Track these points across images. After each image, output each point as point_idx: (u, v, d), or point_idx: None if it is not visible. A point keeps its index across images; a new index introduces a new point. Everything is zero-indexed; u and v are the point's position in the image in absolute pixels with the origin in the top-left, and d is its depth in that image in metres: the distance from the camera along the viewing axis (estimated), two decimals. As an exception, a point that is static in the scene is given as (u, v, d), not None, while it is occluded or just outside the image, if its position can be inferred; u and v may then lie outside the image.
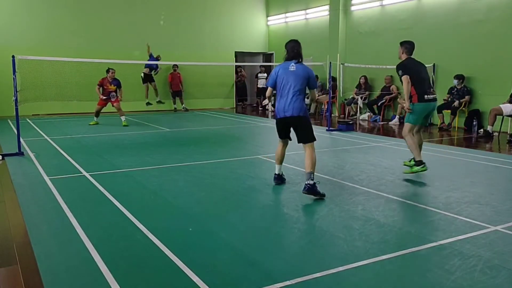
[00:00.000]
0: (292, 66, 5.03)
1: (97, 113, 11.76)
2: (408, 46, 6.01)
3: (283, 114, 5.01)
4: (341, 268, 3.12)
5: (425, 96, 5.80)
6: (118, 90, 11.55)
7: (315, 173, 4.84)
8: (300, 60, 5.10)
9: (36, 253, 3.40)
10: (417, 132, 6.08)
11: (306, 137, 4.99)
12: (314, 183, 4.77)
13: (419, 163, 5.78)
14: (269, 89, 5.32)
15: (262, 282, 2.91)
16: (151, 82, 15.02)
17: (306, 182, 4.79)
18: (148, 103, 14.70)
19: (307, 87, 5.12)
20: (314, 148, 5.00)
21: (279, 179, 5.42)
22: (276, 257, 3.37)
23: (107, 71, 11.37)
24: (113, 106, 11.54)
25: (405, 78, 5.76)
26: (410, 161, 6.05)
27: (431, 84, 5.97)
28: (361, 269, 3.13)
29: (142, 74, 14.71)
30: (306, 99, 5.22)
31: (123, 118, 11.50)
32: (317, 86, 5.17)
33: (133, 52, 14.84)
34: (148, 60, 14.22)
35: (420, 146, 6.02)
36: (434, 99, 5.92)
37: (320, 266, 3.15)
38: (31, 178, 5.86)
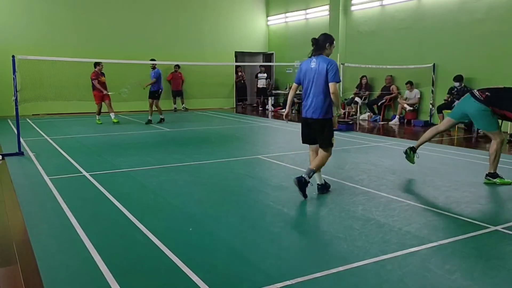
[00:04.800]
0: (313, 62, 4.76)
1: (99, 111, 11.94)
2: None
3: (305, 114, 4.89)
4: (341, 268, 3.12)
5: None
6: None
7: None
8: (322, 52, 4.77)
9: (36, 253, 3.40)
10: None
11: (323, 142, 4.85)
12: (307, 181, 4.73)
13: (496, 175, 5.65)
14: (294, 85, 5.04)
15: (262, 282, 2.91)
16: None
17: (303, 175, 4.75)
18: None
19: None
20: (331, 154, 4.87)
21: (323, 189, 5.06)
22: (276, 257, 3.37)
23: (97, 64, 11.66)
24: (105, 103, 11.86)
25: None
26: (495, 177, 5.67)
27: None
28: (361, 269, 3.13)
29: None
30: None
31: (112, 115, 11.84)
32: (337, 79, 4.69)
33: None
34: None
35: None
36: None
37: (320, 266, 3.15)
38: (31, 178, 5.86)
